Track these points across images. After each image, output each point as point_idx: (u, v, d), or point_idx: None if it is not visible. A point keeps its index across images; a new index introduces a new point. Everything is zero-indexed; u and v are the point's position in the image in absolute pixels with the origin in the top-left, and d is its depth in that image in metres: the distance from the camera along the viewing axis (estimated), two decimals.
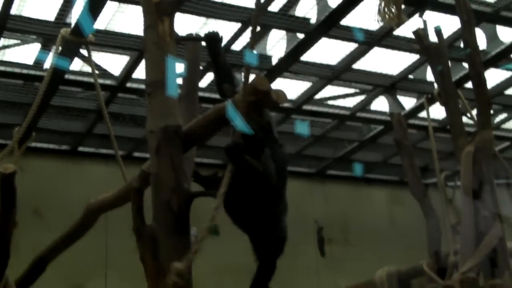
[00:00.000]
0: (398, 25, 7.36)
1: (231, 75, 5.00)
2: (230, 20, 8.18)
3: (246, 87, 3.84)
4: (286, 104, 9.91)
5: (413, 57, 9.41)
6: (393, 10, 5.52)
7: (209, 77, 9.35)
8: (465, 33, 5.90)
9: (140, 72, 8.89)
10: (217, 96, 9.39)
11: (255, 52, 6.94)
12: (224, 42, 8.52)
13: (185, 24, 8.06)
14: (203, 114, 4.13)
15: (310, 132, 10.69)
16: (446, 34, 8.14)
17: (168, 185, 3.87)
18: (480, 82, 5.73)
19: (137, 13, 8.12)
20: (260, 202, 4.45)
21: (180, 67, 5.37)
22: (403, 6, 5.76)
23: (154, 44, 4.24)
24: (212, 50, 4.87)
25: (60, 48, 7.18)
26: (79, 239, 6.19)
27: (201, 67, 8.08)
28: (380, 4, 5.60)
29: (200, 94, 6.73)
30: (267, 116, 4.53)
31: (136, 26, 8.27)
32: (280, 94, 3.78)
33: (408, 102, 10.63)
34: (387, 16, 5.58)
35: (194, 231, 5.24)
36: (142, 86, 8.31)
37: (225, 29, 8.35)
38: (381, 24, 6.35)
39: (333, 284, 11.33)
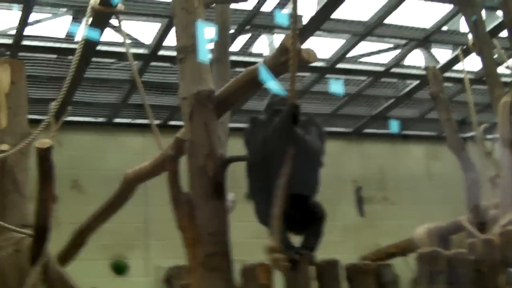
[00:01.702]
0: None
1: None
2: None
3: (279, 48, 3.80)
4: (319, 64, 9.85)
5: (446, 8, 9.26)
6: None
7: (240, 41, 9.30)
8: None
9: (171, 39, 8.87)
10: (249, 59, 9.42)
11: (285, 12, 6.87)
12: (253, 4, 8.50)
13: None
14: (235, 77, 4.11)
15: (345, 90, 10.62)
16: None
17: (203, 151, 3.86)
18: None
19: None
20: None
21: (210, 32, 5.35)
22: None
23: (183, 9, 4.22)
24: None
25: (90, 19, 7.19)
26: (118, 210, 6.23)
27: (231, 31, 8.03)
28: None
29: (232, 58, 6.71)
30: None
31: None
32: (311, 53, 3.75)
33: (443, 54, 10.50)
34: None
35: (231, 196, 5.26)
36: (175, 53, 8.28)
37: None
38: None
39: (374, 243, 11.32)
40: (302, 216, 4.46)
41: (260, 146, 4.44)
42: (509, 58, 7.83)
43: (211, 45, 5.88)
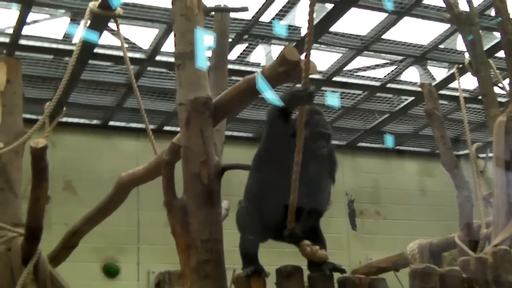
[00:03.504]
0: None
1: None
2: None
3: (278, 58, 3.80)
4: (316, 76, 9.86)
5: (444, 27, 9.30)
6: None
7: (238, 49, 9.31)
8: (497, 0, 5.82)
9: (169, 45, 8.89)
10: (246, 68, 9.42)
11: (283, 23, 6.90)
12: (252, 13, 8.51)
13: None
14: (233, 86, 4.11)
15: (340, 103, 10.64)
16: (477, 2, 8.05)
17: (198, 158, 3.85)
18: (511, 51, 5.65)
19: None
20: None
21: (209, 39, 5.35)
22: None
23: (182, 15, 4.22)
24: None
25: (89, 21, 7.19)
26: (111, 213, 6.22)
27: (230, 39, 8.04)
28: None
29: (230, 66, 6.70)
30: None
31: None
32: (311, 64, 3.75)
33: (439, 72, 10.54)
34: None
35: (225, 204, 5.26)
36: (172, 59, 8.24)
37: (254, 0, 8.33)
38: None
39: (365, 257, 11.33)
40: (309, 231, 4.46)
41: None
42: (504, 79, 7.85)
43: (209, 53, 5.88)
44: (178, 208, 3.84)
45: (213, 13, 5.81)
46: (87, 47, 7.89)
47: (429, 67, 10.51)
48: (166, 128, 10.74)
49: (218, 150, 4.44)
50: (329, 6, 8.42)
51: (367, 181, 12.15)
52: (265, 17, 8.73)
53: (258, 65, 9.52)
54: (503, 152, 5.44)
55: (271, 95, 3.97)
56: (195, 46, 4.13)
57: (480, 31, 7.13)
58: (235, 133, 11.08)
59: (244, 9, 5.25)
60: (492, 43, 9.20)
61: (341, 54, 9.71)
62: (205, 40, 4.23)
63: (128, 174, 5.71)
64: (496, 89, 7.17)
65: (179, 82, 4.14)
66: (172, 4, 4.32)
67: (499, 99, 6.54)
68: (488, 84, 6.25)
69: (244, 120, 10.96)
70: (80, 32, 7.60)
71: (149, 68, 9.46)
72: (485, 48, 7.36)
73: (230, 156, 4.85)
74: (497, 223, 5.33)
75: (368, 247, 11.60)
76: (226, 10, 5.80)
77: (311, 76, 3.97)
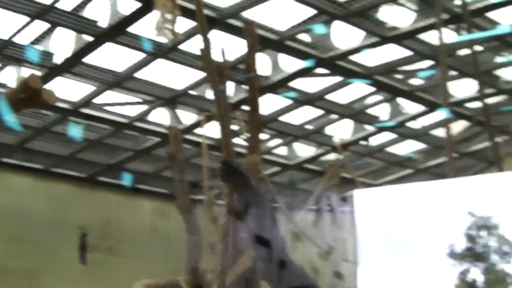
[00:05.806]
0: (173, 41, 7.46)
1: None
2: (18, 12, 7.91)
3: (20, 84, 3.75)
4: (64, 105, 9.72)
5: (198, 74, 9.50)
6: (168, 26, 5.57)
7: None
8: (248, 57, 6.05)
9: None
10: None
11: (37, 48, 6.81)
12: (9, 34, 8.30)
13: None
14: None
15: (85, 136, 10.50)
16: (232, 56, 8.33)
17: None
18: (254, 106, 5.90)
19: None
20: None
21: None
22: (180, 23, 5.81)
23: None
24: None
25: None
26: None
27: None
28: (158, 18, 5.62)
29: None
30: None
31: None
32: (51, 94, 3.74)
33: (187, 117, 10.72)
34: (163, 31, 5.61)
35: None
36: None
37: (12, 20, 8.11)
38: (161, 37, 6.36)
39: None
40: None
41: None
42: (247, 131, 8.13)
43: None
44: None
45: None
46: None
47: (178, 111, 10.67)
48: None
49: None
50: (89, 38, 8.37)
51: (102, 216, 12.06)
52: (20, 40, 8.52)
53: (4, 86, 9.22)
54: (233, 202, 5.62)
55: (11, 119, 3.90)
56: None
57: (231, 83, 7.35)
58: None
59: None
60: (241, 96, 9.50)
61: (95, 87, 9.64)
62: None
63: None
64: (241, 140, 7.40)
65: None
66: None
67: (241, 150, 6.75)
68: (228, 135, 6.45)
69: None
70: None
71: None
72: (234, 100, 7.61)
73: None
74: (220, 269, 5.48)
75: (96, 283, 11.49)
76: None
77: (57, 104, 3.94)
